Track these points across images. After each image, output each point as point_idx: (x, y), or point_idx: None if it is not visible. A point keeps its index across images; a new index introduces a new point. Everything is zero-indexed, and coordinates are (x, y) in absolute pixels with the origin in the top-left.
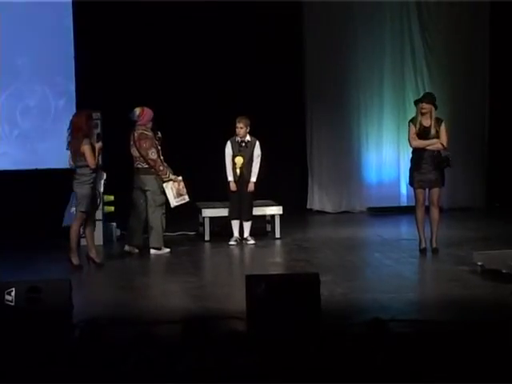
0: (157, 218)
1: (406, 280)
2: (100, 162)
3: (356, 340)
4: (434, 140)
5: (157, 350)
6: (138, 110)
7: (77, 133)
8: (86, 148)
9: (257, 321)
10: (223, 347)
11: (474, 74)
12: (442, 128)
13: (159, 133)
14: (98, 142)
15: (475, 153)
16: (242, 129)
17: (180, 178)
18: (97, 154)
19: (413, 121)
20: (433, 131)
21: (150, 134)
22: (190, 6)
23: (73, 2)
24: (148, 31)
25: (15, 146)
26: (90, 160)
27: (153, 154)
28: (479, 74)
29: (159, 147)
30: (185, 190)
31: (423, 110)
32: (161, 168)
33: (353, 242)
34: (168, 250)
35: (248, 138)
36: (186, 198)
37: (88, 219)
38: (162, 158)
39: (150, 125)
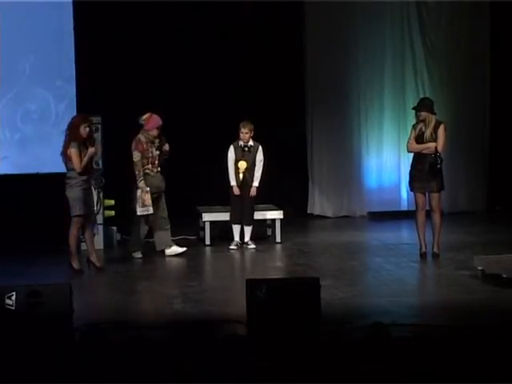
0: (134, 224)
1: (407, 284)
2: (99, 166)
3: (356, 344)
4: (429, 144)
5: (157, 353)
6: (145, 115)
7: (66, 136)
8: (72, 151)
9: (257, 325)
10: (223, 351)
11: (474, 77)
12: (440, 131)
13: (167, 144)
14: (91, 146)
15: (476, 156)
16: (247, 134)
17: (148, 189)
18: (87, 158)
19: (414, 126)
20: (428, 135)
21: (144, 139)
22: (191, 7)
23: (73, 5)
24: (149, 34)
25: (16, 150)
26: (76, 163)
27: (135, 157)
28: (479, 76)
29: (155, 154)
30: (150, 202)
31: (420, 118)
32: (136, 172)
33: (353, 246)
34: (140, 255)
35: (251, 142)
36: (150, 210)
37: (86, 223)
38: (151, 166)
39: (154, 132)
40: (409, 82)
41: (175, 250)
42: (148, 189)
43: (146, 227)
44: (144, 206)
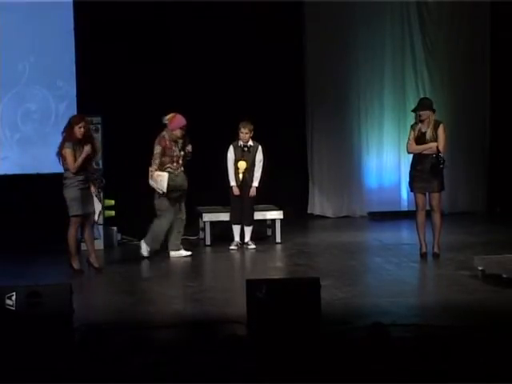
0: (156, 223)
1: (407, 285)
2: (99, 166)
3: (356, 344)
4: (431, 144)
5: (157, 354)
6: (169, 115)
7: (62, 137)
8: (65, 151)
9: (257, 325)
10: (223, 351)
11: (474, 77)
12: (440, 131)
13: (190, 146)
14: (86, 145)
15: (476, 157)
16: (247, 134)
17: (156, 168)
18: (82, 157)
19: (413, 126)
20: (429, 135)
21: (168, 137)
22: (190, 7)
23: (73, 5)
24: (149, 35)
25: (16, 150)
26: (70, 163)
27: (155, 150)
28: (480, 77)
29: (178, 154)
30: (158, 181)
31: (422, 118)
32: (152, 161)
33: (353, 246)
34: (146, 253)
35: (250, 142)
36: (161, 187)
37: (86, 223)
38: (175, 165)
39: (177, 132)
40: (409, 82)
41: (180, 253)
42: (155, 171)
43: (167, 225)
44: (153, 180)
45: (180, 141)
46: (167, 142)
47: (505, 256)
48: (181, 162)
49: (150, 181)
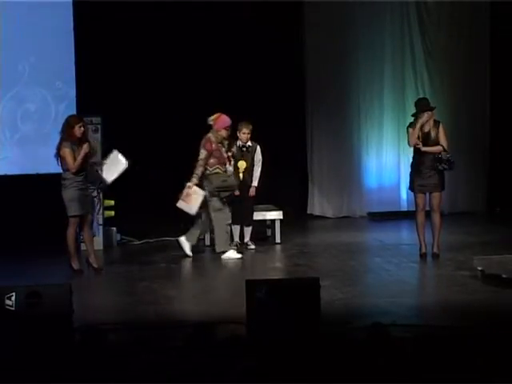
0: (216, 223)
1: (407, 285)
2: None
3: (356, 344)
4: (437, 147)
5: (157, 354)
6: (214, 115)
7: (60, 137)
8: (64, 151)
9: (257, 325)
10: (223, 351)
11: (474, 77)
12: (441, 131)
13: (235, 147)
14: (83, 144)
15: (476, 158)
16: (248, 134)
17: (193, 187)
18: (81, 156)
19: (412, 125)
20: (433, 135)
21: (214, 139)
22: (190, 7)
23: (73, 5)
24: (149, 35)
25: (16, 150)
26: (70, 162)
27: (200, 155)
28: (480, 77)
29: (225, 155)
30: (193, 202)
31: (428, 117)
32: (194, 169)
33: (353, 246)
34: (238, 255)
35: (249, 142)
36: (192, 210)
37: (85, 224)
38: (224, 167)
39: (222, 132)
40: (409, 83)
41: (186, 249)
42: (193, 187)
43: (228, 219)
44: (183, 200)
45: (226, 142)
46: (213, 145)
47: (505, 256)
48: (232, 163)
49: (179, 201)
